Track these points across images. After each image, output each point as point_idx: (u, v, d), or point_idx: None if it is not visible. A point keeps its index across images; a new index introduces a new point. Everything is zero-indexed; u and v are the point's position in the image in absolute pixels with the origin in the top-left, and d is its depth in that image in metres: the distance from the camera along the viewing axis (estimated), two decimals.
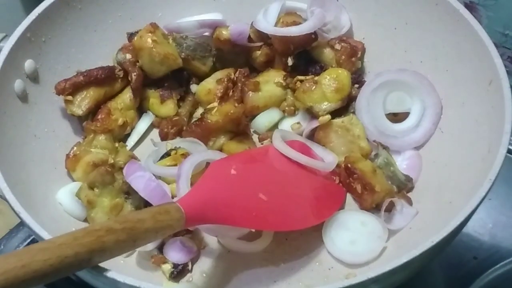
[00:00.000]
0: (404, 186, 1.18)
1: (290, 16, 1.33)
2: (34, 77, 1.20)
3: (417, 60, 1.27)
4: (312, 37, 1.29)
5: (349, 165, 1.18)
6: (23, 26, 1.18)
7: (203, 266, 1.13)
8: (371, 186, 1.15)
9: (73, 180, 1.20)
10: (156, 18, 1.34)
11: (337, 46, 1.30)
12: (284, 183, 1.13)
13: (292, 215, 1.10)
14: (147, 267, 1.12)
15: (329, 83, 1.24)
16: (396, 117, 1.26)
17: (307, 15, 1.32)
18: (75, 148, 1.20)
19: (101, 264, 0.87)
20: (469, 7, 1.28)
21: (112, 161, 1.18)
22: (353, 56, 1.30)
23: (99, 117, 1.25)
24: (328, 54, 1.30)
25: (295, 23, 1.29)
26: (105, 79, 1.25)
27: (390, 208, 1.14)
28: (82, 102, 1.24)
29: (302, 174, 1.15)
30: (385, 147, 1.21)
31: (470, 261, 1.26)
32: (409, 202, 1.15)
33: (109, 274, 0.88)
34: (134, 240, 0.85)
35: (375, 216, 1.15)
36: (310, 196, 1.15)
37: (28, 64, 1.18)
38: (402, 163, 1.22)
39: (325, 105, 1.24)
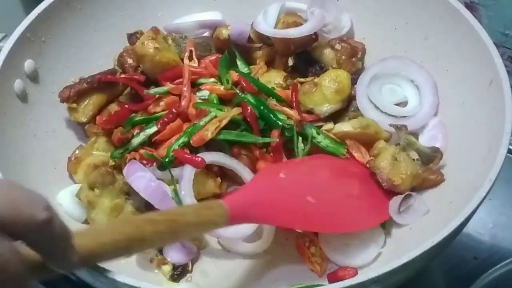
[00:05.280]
0: (433, 158, 1.16)
1: (290, 16, 1.32)
2: (34, 77, 1.20)
3: (417, 60, 1.26)
4: (312, 38, 1.29)
5: (368, 166, 1.17)
6: (22, 26, 1.18)
7: (203, 266, 1.13)
8: (391, 181, 1.14)
9: (74, 181, 1.20)
10: (156, 17, 1.35)
11: (338, 46, 1.30)
12: (333, 188, 1.13)
13: (339, 218, 1.10)
14: (147, 267, 1.11)
15: (329, 84, 1.23)
16: None
17: (307, 15, 1.32)
18: (77, 151, 1.21)
19: (101, 265, 0.87)
20: (470, 7, 1.28)
21: (113, 163, 1.18)
22: (353, 57, 1.29)
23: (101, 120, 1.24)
24: (328, 54, 1.30)
25: (296, 24, 1.29)
26: (107, 84, 1.25)
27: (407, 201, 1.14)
28: (86, 108, 1.24)
29: (352, 181, 1.16)
30: (400, 127, 1.19)
31: (470, 261, 1.25)
32: (441, 177, 1.14)
33: (109, 275, 0.88)
34: (174, 232, 0.86)
35: None
36: (357, 202, 1.14)
37: (28, 64, 1.18)
38: (428, 134, 1.22)
39: (326, 107, 1.24)
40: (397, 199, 1.13)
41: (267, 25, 1.30)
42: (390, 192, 1.15)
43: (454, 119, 1.19)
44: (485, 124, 1.09)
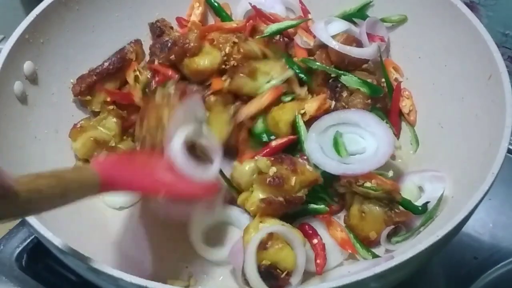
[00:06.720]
0: (392, 197, 1.12)
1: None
2: (33, 79, 1.20)
3: (415, 55, 1.27)
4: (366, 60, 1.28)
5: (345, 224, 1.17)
6: (21, 28, 1.18)
7: (205, 266, 1.13)
8: (368, 238, 1.13)
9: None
10: (153, 17, 1.35)
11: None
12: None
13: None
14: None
15: None
16: None
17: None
18: (83, 121, 1.23)
19: (106, 264, 0.89)
20: (470, 6, 1.28)
21: (114, 145, 1.21)
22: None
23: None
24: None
25: (356, 41, 1.28)
26: (118, 70, 1.27)
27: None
28: (100, 98, 1.26)
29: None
30: (349, 180, 1.14)
31: (470, 261, 1.25)
32: (408, 216, 1.12)
33: (115, 274, 0.88)
34: (63, 188, 0.87)
35: None
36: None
37: (27, 66, 1.18)
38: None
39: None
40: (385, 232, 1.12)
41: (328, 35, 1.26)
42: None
43: (454, 114, 1.19)
44: (485, 118, 1.10)
